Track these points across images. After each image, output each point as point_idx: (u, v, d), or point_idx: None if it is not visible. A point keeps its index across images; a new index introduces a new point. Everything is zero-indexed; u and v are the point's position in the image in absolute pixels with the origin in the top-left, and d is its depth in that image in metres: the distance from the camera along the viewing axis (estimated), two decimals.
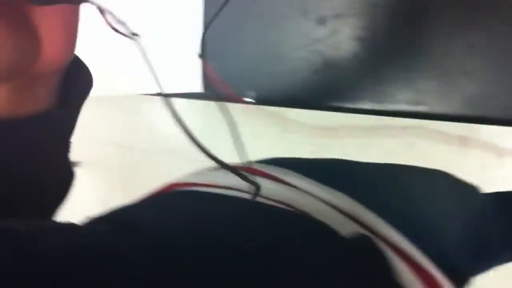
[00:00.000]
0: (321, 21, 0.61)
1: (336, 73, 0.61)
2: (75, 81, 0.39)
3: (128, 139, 2.09)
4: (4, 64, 0.31)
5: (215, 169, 0.59)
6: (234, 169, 0.39)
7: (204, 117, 1.88)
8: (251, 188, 0.44)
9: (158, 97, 0.71)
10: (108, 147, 2.12)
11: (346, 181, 0.55)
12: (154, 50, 0.71)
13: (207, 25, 0.67)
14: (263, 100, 0.65)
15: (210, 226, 0.36)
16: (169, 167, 1.96)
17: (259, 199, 0.46)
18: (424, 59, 0.56)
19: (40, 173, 0.39)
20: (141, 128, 2.03)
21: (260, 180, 0.51)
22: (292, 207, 0.48)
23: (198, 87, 0.68)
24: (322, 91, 0.63)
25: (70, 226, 0.32)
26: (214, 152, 0.37)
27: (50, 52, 0.33)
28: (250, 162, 0.69)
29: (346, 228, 0.41)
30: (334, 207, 0.47)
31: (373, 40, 0.59)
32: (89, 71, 0.43)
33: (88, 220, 0.39)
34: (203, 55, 0.68)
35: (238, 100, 0.58)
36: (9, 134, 0.35)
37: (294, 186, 0.52)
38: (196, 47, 0.68)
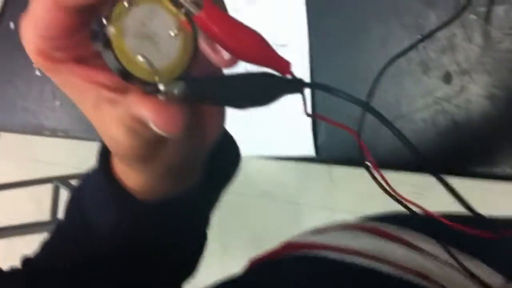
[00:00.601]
0: (446, 78, 0.56)
1: (466, 135, 0.55)
2: (221, 157, 0.38)
3: None
4: (180, 160, 0.30)
5: (337, 226, 0.54)
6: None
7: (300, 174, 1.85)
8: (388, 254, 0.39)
9: (249, 143, 0.69)
10: None
11: (482, 246, 0.49)
12: (264, 115, 0.70)
13: (314, 87, 0.65)
14: (382, 164, 0.61)
15: None
16: (263, 211, 1.95)
17: (391, 269, 0.41)
18: None
19: (175, 247, 0.39)
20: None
21: (388, 245, 0.46)
22: (430, 280, 0.42)
23: (310, 150, 0.65)
24: (449, 154, 0.57)
25: None
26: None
27: (209, 135, 0.32)
28: (366, 218, 0.64)
29: None
30: (478, 280, 0.41)
31: (509, 99, 0.53)
32: (236, 146, 0.41)
33: None
34: (313, 117, 0.65)
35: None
36: (153, 214, 0.34)
37: (427, 252, 0.47)
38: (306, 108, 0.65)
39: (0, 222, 2.66)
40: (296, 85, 0.27)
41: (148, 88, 0.24)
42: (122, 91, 0.25)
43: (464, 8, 0.53)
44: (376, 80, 0.53)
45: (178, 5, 0.25)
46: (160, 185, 0.32)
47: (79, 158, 2.51)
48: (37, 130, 0.90)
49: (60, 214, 2.06)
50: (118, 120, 0.25)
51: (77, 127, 0.86)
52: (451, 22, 0.54)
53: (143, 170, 0.30)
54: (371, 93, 0.54)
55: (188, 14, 0.25)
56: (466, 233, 0.53)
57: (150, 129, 0.24)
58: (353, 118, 0.60)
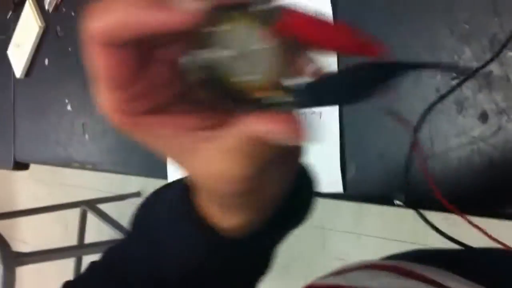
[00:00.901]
0: (482, 117, 0.54)
1: (503, 175, 0.53)
2: (295, 194, 0.35)
3: None
4: (274, 191, 0.29)
5: (357, 267, 0.53)
6: None
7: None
8: None
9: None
10: None
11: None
12: None
13: (341, 120, 0.64)
14: (413, 203, 0.59)
15: None
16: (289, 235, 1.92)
17: None
18: None
19: (236, 283, 0.37)
20: None
21: (410, 284, 0.44)
22: None
23: (338, 187, 0.64)
24: (485, 195, 0.55)
25: None
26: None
27: (290, 165, 0.30)
28: (387, 257, 0.61)
29: None
30: None
31: None
32: (313, 182, 0.39)
33: None
34: (343, 158, 0.64)
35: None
36: (230, 249, 0.32)
37: None
38: (336, 146, 0.64)
39: (28, 247, 2.69)
40: (400, 68, 0.26)
41: (257, 106, 0.24)
42: (218, 124, 0.24)
43: (504, 46, 0.51)
44: (417, 127, 0.52)
45: (259, 17, 0.24)
46: (249, 220, 0.30)
47: (108, 182, 2.54)
48: (67, 163, 0.91)
49: (88, 239, 2.06)
50: (230, 150, 0.24)
51: (104, 160, 0.87)
52: (492, 61, 0.53)
53: (242, 205, 0.28)
54: (416, 135, 0.53)
55: (270, 23, 0.24)
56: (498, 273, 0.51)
57: (268, 146, 0.23)
58: (392, 157, 0.58)
